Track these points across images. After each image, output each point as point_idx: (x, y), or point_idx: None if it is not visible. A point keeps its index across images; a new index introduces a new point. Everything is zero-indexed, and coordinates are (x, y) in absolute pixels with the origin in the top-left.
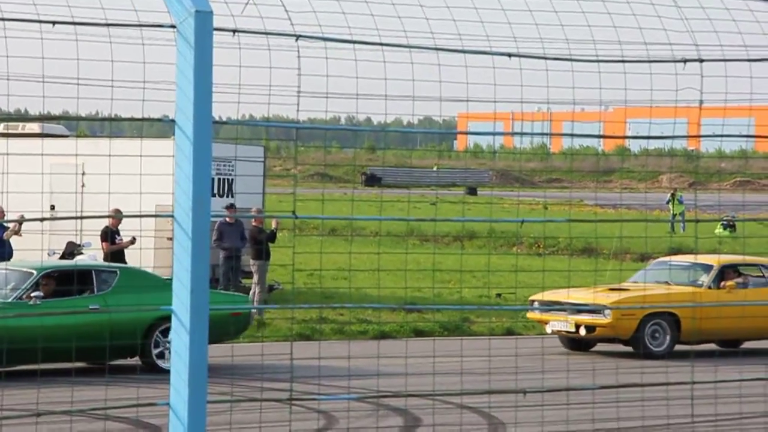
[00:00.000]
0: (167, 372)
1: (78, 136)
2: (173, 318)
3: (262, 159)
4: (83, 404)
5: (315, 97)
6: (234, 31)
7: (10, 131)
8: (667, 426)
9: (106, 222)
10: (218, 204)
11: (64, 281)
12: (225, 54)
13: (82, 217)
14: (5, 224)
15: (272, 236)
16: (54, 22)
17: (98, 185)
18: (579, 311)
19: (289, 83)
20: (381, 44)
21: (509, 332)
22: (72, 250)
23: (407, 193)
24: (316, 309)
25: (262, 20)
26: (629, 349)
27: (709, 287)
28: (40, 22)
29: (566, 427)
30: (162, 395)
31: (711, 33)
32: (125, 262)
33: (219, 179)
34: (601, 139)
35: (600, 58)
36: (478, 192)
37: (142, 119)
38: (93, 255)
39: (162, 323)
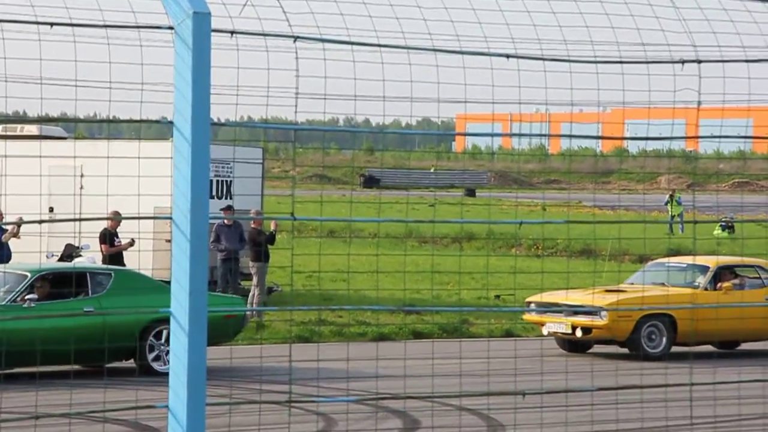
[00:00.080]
0: (163, 375)
1: (76, 138)
2: (172, 320)
3: (261, 161)
4: (81, 407)
5: (313, 99)
6: (232, 32)
7: (8, 133)
8: (666, 428)
9: (104, 224)
10: (217, 206)
11: (59, 284)
12: (223, 55)
13: (80, 219)
14: (4, 226)
15: (272, 238)
16: (52, 24)
17: (97, 187)
18: (575, 313)
19: (287, 85)
20: (379, 45)
21: (508, 334)
22: (70, 252)
23: (406, 194)
24: (314, 311)
25: (260, 22)
26: (627, 350)
27: (706, 288)
28: (38, 23)
29: (565, 428)
30: (160, 398)
31: (709, 34)
32: (124, 265)
33: (217, 181)
34: (600, 141)
35: (598, 59)
36: (477, 193)
37: (140, 121)
38: (91, 257)
39: (156, 326)
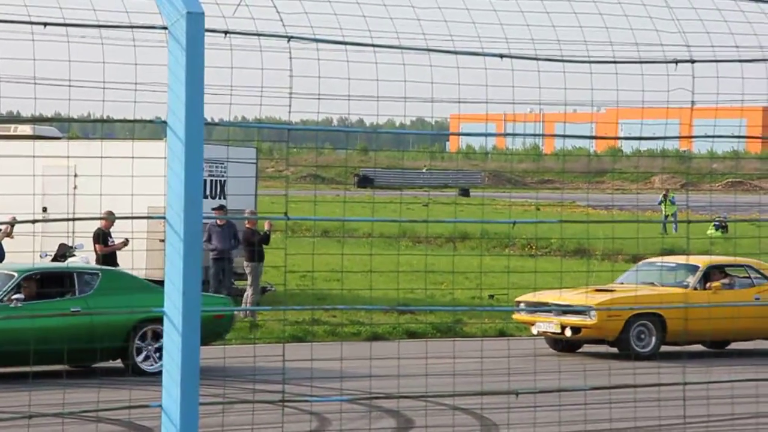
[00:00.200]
0: (153, 374)
1: (70, 138)
2: (165, 320)
3: (255, 160)
4: (74, 406)
5: (307, 99)
6: (226, 32)
7: (1, 133)
8: (659, 427)
9: (98, 224)
10: (210, 206)
11: (46, 284)
12: (217, 55)
13: (74, 219)
14: None
15: (266, 238)
16: (45, 24)
17: (90, 187)
18: (565, 312)
19: (281, 85)
20: (373, 45)
21: (502, 333)
22: (64, 252)
23: (400, 194)
24: (308, 310)
25: (253, 21)
26: (617, 350)
27: (695, 288)
28: (32, 23)
29: (559, 428)
30: (154, 397)
31: (702, 34)
32: (117, 265)
33: (211, 181)
34: (593, 140)
35: (592, 59)
36: (471, 193)
37: (134, 121)
38: (85, 257)
39: (143, 326)
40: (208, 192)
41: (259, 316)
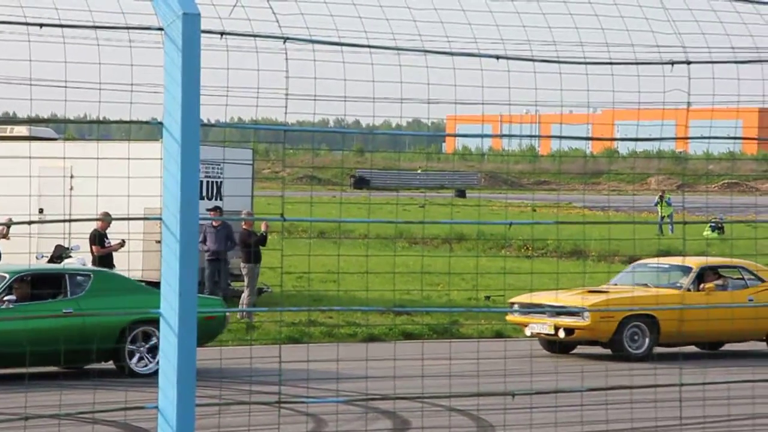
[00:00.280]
0: (146, 376)
1: (66, 139)
2: (161, 321)
3: (251, 162)
4: (70, 408)
5: (303, 100)
6: (222, 33)
7: None
8: (656, 428)
9: (94, 225)
10: (207, 207)
11: (38, 285)
12: (213, 56)
13: (70, 220)
14: None
15: (263, 239)
16: (41, 25)
17: (86, 188)
18: (558, 314)
19: (277, 86)
20: (369, 46)
21: (498, 335)
22: (60, 253)
23: (396, 195)
24: (304, 312)
25: (249, 22)
26: (610, 351)
27: (689, 289)
28: (28, 24)
29: (555, 429)
30: (150, 398)
31: (698, 35)
32: (114, 266)
33: (207, 182)
34: (589, 142)
35: (587, 60)
36: (467, 194)
37: (130, 122)
38: (81, 258)
39: (136, 327)
40: (204, 193)
41: (255, 318)
